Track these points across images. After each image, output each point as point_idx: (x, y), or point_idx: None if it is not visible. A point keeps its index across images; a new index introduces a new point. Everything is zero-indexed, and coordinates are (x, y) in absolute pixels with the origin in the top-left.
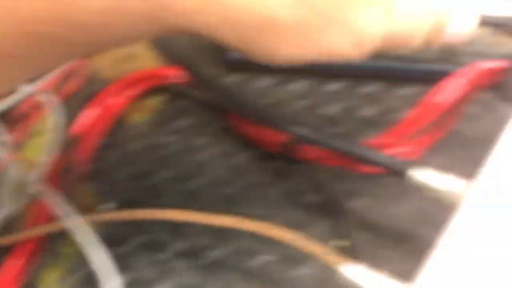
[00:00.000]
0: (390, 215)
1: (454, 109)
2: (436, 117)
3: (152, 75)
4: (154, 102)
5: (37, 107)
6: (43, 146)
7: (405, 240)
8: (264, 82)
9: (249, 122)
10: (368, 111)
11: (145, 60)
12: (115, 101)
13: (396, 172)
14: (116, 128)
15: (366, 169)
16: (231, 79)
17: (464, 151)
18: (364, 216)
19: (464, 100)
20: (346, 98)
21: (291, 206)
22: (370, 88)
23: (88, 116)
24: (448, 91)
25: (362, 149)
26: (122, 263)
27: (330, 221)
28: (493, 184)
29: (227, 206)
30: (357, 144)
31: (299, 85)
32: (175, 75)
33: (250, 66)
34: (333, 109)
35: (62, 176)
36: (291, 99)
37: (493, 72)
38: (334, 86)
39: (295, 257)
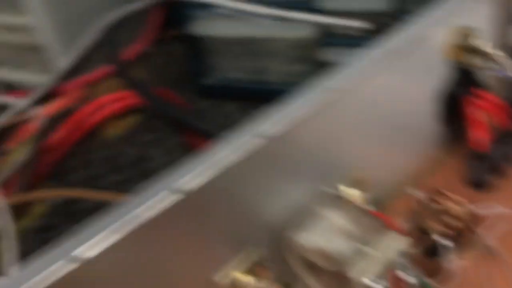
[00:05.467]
0: None
1: None
2: None
3: (121, 97)
4: (130, 120)
5: (28, 120)
6: (21, 153)
7: None
8: (228, 107)
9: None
10: None
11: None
12: (90, 118)
13: None
14: (87, 141)
15: None
16: (202, 104)
17: None
18: None
19: None
20: None
21: None
22: None
23: (62, 130)
24: None
25: None
26: None
27: None
28: None
29: None
30: None
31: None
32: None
33: (219, 92)
34: None
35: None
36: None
37: None
38: None
39: None
